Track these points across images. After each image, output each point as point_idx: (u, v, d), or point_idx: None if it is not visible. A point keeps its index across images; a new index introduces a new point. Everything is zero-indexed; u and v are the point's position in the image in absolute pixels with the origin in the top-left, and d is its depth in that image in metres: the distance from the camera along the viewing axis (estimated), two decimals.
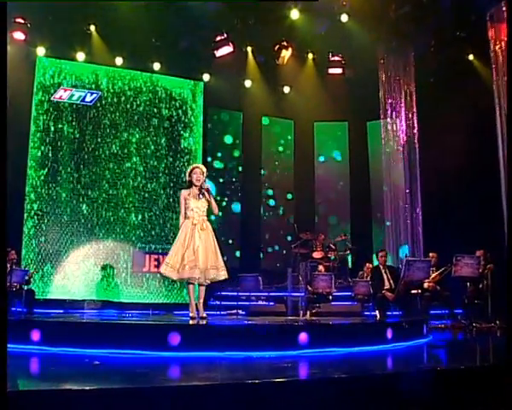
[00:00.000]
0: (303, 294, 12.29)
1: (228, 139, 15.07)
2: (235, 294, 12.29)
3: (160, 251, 13.20)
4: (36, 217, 12.49)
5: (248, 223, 14.78)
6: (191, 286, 7.16)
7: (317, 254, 13.82)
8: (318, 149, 15.74)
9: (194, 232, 6.97)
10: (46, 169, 12.66)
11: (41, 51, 12.81)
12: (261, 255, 14.87)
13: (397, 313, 10.20)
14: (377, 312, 9.94)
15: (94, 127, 13.13)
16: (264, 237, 15.08)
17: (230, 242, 14.41)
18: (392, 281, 10.13)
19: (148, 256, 13.15)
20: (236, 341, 5.36)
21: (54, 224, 12.58)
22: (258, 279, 12.19)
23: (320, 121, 15.70)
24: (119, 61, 13.34)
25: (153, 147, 13.64)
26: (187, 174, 7.28)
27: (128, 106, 13.52)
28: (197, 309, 7.15)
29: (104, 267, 12.79)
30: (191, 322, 6.75)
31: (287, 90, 15.24)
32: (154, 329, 5.63)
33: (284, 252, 14.93)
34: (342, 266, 13.94)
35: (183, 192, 7.20)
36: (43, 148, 12.69)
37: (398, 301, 9.89)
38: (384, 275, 10.20)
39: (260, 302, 12.84)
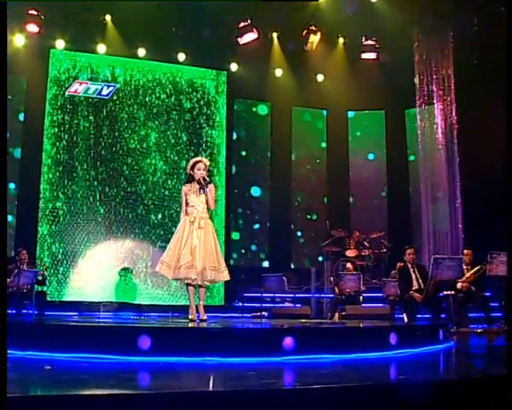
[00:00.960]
0: (330, 295, 11.94)
1: (255, 132, 14.71)
2: (260, 295, 12.00)
3: None
4: (51, 216, 12.47)
5: (277, 219, 14.41)
6: (190, 288, 6.95)
7: (350, 253, 13.40)
8: (352, 139, 15.22)
9: (192, 231, 6.78)
10: (61, 166, 12.66)
11: (55, 44, 12.77)
12: (291, 253, 14.48)
13: (427, 315, 9.67)
14: (404, 314, 9.47)
15: (111, 122, 13.06)
16: (294, 234, 14.69)
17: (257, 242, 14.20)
18: (421, 281, 9.57)
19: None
20: (214, 346, 5.06)
21: (69, 223, 12.56)
22: (283, 279, 11.77)
23: (354, 110, 15.19)
24: (140, 52, 13.22)
25: (173, 141, 13.48)
26: (188, 167, 7.05)
27: (147, 99, 13.40)
28: (197, 311, 6.96)
29: (122, 268, 12.68)
30: (190, 325, 6.50)
31: (317, 77, 14.77)
32: (122, 332, 5.35)
33: (315, 250, 14.48)
34: (378, 265, 13.43)
35: (184, 187, 7.00)
36: (57, 144, 12.69)
37: (428, 303, 9.35)
38: (412, 274, 9.64)
39: (287, 304, 12.49)
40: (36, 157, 12.51)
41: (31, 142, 12.61)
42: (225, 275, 6.99)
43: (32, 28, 12.26)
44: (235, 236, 14.08)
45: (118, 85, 13.23)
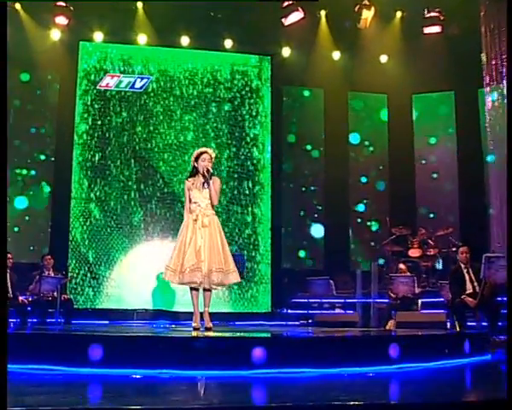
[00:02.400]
0: (385, 300, 11.19)
1: (305, 121, 14.05)
2: (306, 301, 11.53)
3: None
4: (83, 219, 12.43)
5: (334, 219, 13.74)
6: (194, 292, 6.79)
7: (413, 252, 12.60)
8: (417, 125, 14.30)
9: (196, 230, 6.60)
10: (93, 166, 12.58)
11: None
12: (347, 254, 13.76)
13: (485, 323, 8.80)
14: (456, 322, 8.67)
15: (145, 116, 12.88)
16: (351, 233, 13.98)
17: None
18: (476, 284, 8.74)
19: None
20: (171, 357, 4.84)
21: (103, 226, 12.47)
22: (330, 283, 11.44)
23: (419, 93, 14.26)
24: (181, 40, 12.96)
25: (213, 134, 13.14)
26: (192, 159, 6.88)
27: (183, 90, 13.11)
28: (202, 319, 6.77)
29: (159, 273, 12.44)
30: (194, 333, 6.32)
31: (374, 58, 13.93)
32: (73, 341, 5.17)
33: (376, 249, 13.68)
34: (447, 266, 12.50)
35: (187, 182, 6.84)
36: (89, 142, 12.63)
37: (482, 309, 8.52)
38: (466, 276, 8.84)
39: (338, 310, 11.85)
40: (66, 157, 12.49)
41: (61, 141, 12.62)
42: (234, 277, 6.79)
43: (61, 20, 12.27)
44: (285, 236, 13.53)
45: (152, 77, 13.03)
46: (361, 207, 13.97)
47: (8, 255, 10.67)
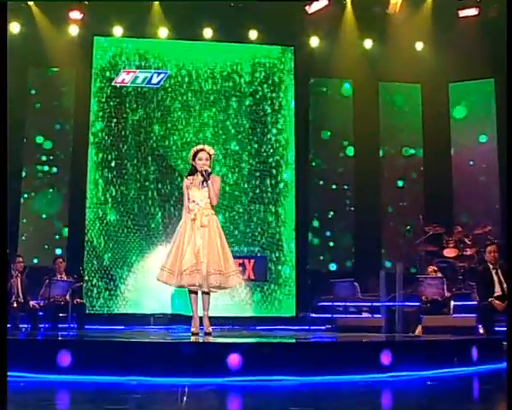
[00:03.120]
0: (415, 303, 10.71)
1: (332, 115, 13.61)
2: (331, 304, 11.19)
3: (246, 253, 12.47)
4: (99, 221, 12.32)
5: (364, 219, 13.30)
6: (193, 295, 6.72)
7: (448, 252, 12.12)
8: (454, 115, 13.71)
9: (194, 230, 6.53)
10: (109, 165, 12.47)
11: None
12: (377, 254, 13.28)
13: None
14: (481, 326, 8.28)
15: (162, 113, 12.71)
16: (382, 234, 13.51)
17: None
18: (505, 285, 8.26)
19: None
20: (140, 363, 4.83)
21: (119, 227, 12.34)
22: (355, 285, 11.05)
23: (456, 82, 13.67)
24: (205, 32, 12.77)
25: (233, 131, 12.88)
26: (190, 157, 6.85)
27: (202, 84, 12.89)
28: (202, 324, 6.74)
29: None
30: (192, 339, 6.30)
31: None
32: (40, 347, 5.21)
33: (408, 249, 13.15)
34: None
35: (186, 180, 6.82)
36: (104, 141, 12.53)
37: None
38: (495, 277, 8.37)
39: (365, 315, 11.42)
40: (81, 156, 12.42)
41: (77, 140, 12.58)
42: (235, 280, 6.70)
43: (75, 15, 12.27)
44: (311, 237, 13.16)
45: (169, 72, 12.84)
46: (391, 208, 13.57)
47: (20, 259, 10.67)
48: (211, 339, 6.11)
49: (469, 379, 5.17)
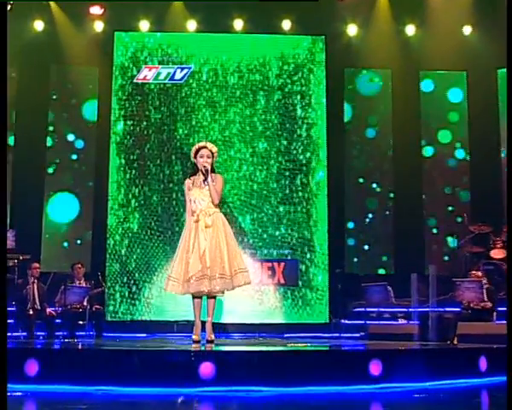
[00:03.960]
0: (455, 309, 10.14)
1: (367, 109, 13.20)
2: (364, 309, 10.88)
3: (275, 256, 12.19)
4: (121, 224, 12.19)
5: (404, 218, 12.77)
6: (197, 301, 6.74)
7: (496, 253, 11.62)
8: (504, 104, 12.98)
9: (198, 232, 6.49)
10: (131, 166, 12.34)
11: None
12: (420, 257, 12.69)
13: None
14: None
15: (186, 110, 12.49)
16: (425, 234, 12.95)
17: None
18: None
19: (259, 264, 12.07)
20: (111, 372, 4.89)
21: (142, 230, 12.19)
22: (388, 290, 10.69)
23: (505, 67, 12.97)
24: (235, 24, 12.56)
25: (261, 127, 12.55)
26: (191, 155, 6.84)
27: (228, 79, 12.62)
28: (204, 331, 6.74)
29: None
30: (193, 346, 6.30)
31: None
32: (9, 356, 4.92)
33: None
34: None
35: (187, 181, 6.80)
36: (126, 141, 12.39)
37: None
38: None
39: (401, 321, 10.91)
40: (102, 157, 12.34)
41: (99, 141, 12.54)
42: (240, 279, 6.55)
43: (96, 10, 12.26)
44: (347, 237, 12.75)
45: (192, 67, 12.61)
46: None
47: (36, 265, 10.63)
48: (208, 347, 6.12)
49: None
